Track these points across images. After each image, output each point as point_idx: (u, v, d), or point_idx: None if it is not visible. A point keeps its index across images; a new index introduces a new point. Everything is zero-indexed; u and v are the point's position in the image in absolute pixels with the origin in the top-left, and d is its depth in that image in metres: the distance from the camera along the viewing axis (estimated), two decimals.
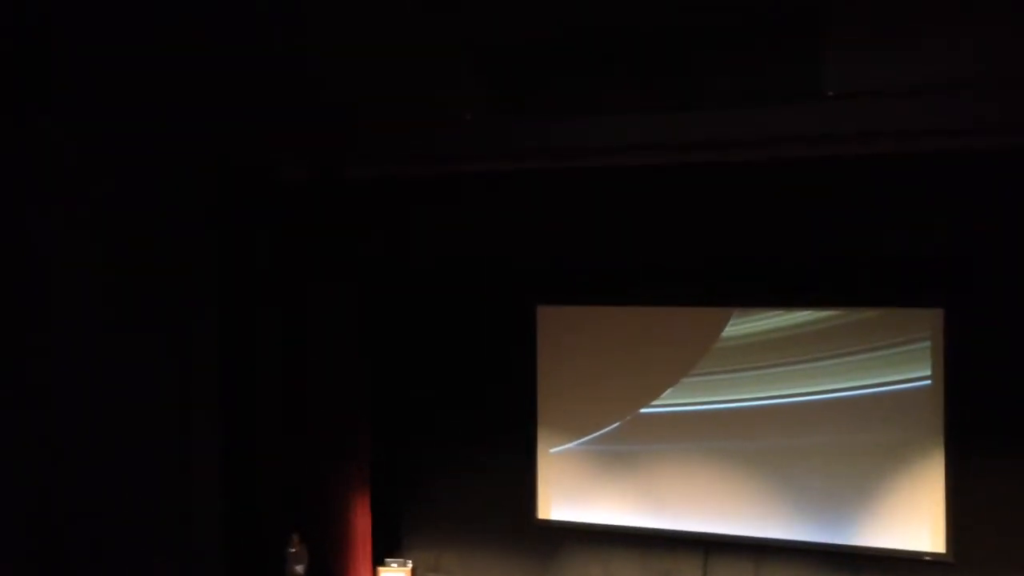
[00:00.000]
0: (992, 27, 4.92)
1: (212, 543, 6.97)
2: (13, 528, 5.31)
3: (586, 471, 9.12)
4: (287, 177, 8.54)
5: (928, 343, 8.01)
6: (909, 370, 8.06)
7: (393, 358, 9.53)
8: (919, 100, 6.01)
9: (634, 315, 8.92)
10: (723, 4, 4.94)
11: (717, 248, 8.04)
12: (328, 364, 8.97)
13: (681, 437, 8.76)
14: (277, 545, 8.64)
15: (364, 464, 9.13)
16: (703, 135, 7.06)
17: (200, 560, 6.75)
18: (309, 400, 8.98)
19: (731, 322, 8.57)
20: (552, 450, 9.22)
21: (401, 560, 9.35)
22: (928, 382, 8.01)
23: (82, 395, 5.70)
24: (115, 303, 5.98)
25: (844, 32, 5.06)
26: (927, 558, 8.03)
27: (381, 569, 9.26)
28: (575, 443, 9.14)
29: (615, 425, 8.98)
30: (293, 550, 8.65)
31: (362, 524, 9.07)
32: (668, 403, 8.80)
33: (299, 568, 8.67)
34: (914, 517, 8.06)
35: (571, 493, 9.19)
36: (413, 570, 9.37)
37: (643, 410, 8.88)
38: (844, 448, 8.26)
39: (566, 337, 9.15)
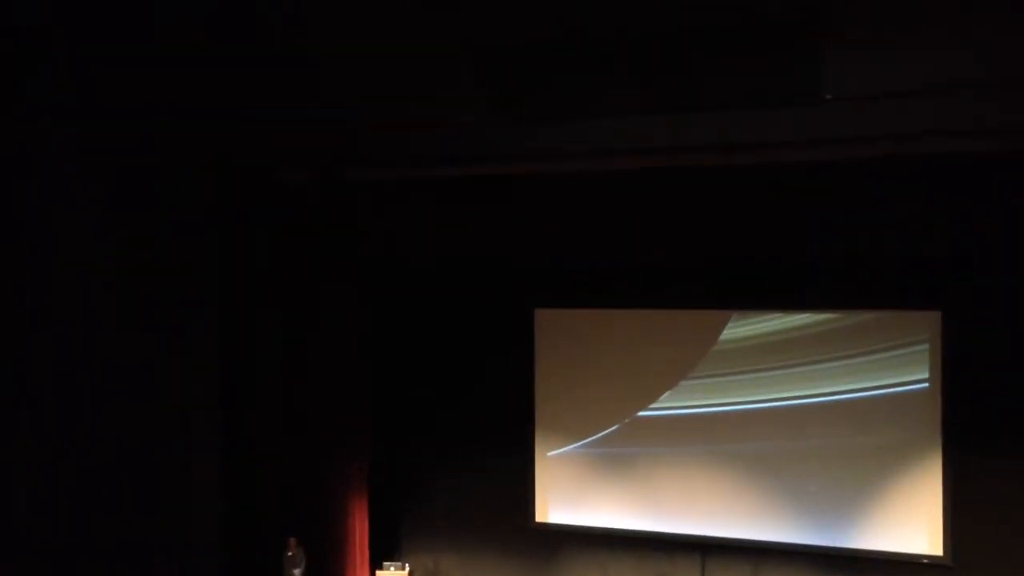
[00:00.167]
0: (992, 27, 4.93)
1: (211, 544, 6.94)
2: (13, 528, 5.29)
3: (584, 474, 9.13)
4: (287, 178, 8.56)
5: (926, 346, 8.03)
6: (907, 373, 8.09)
7: (392, 359, 9.54)
8: (918, 102, 6.02)
9: (632, 318, 8.94)
10: (723, 5, 4.94)
11: (715, 251, 8.07)
12: (328, 364, 8.99)
13: (679, 440, 8.76)
14: (276, 546, 8.63)
15: (363, 465, 9.14)
16: (702, 137, 7.08)
17: (199, 560, 6.72)
18: (309, 401, 8.98)
19: (729, 325, 8.58)
20: (550, 453, 9.22)
21: (399, 563, 9.33)
22: (926, 385, 8.03)
23: (82, 395, 5.67)
24: (115, 303, 5.96)
25: (844, 33, 5.06)
26: (925, 561, 8.04)
27: (379, 573, 9.25)
28: (573, 446, 9.15)
29: (613, 428, 8.99)
30: (290, 553, 8.64)
31: (360, 526, 9.08)
32: (666, 406, 8.81)
33: (296, 572, 8.66)
34: (912, 520, 8.08)
35: (569, 496, 9.19)
36: (410, 573, 9.36)
37: (641, 413, 8.89)
38: (842, 451, 8.27)
39: (564, 340, 9.16)
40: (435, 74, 5.92)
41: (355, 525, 9.05)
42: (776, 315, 8.44)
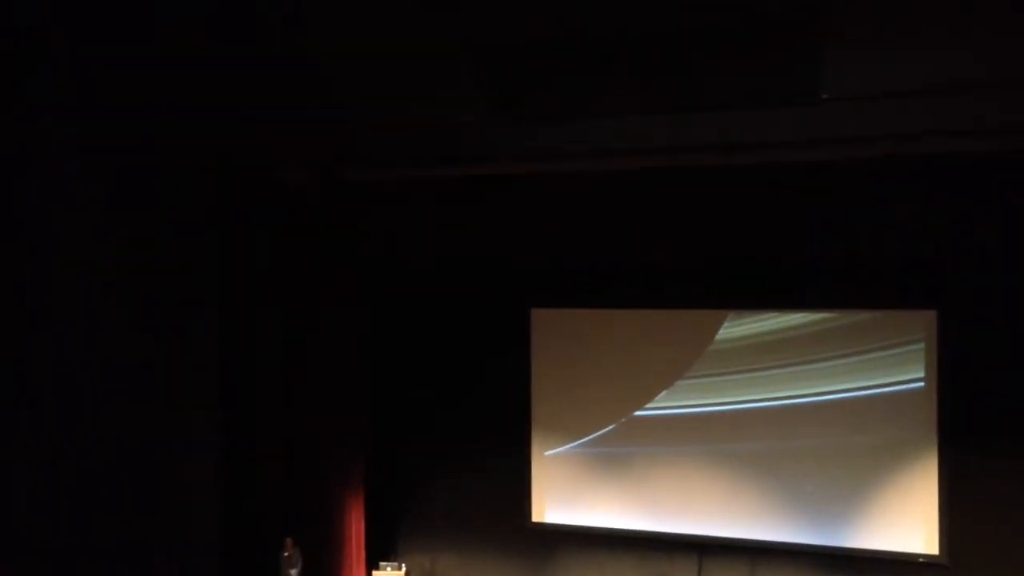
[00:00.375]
0: (992, 27, 4.94)
1: (211, 544, 6.94)
2: (13, 528, 5.28)
3: (581, 474, 9.13)
4: (287, 178, 8.56)
5: (921, 345, 8.05)
6: (902, 372, 8.11)
7: (390, 358, 9.54)
8: (918, 102, 6.04)
9: (629, 318, 8.95)
10: (723, 5, 4.95)
11: (711, 251, 8.09)
12: (328, 364, 8.98)
13: (676, 440, 8.78)
14: (274, 546, 8.63)
15: (361, 465, 9.13)
16: (702, 137, 7.09)
17: (199, 560, 6.72)
18: (308, 401, 8.98)
19: (725, 325, 8.59)
20: (547, 453, 9.23)
21: (395, 563, 9.33)
22: (921, 384, 8.05)
23: (82, 395, 5.66)
24: (115, 303, 5.95)
25: (844, 33, 5.07)
26: (921, 560, 8.06)
27: (375, 573, 9.24)
28: (570, 446, 9.16)
29: (610, 428, 9.00)
30: (286, 554, 8.64)
31: (356, 526, 9.07)
32: (663, 406, 8.82)
33: (293, 572, 8.65)
34: (908, 519, 8.09)
35: (566, 496, 9.20)
36: (407, 573, 9.35)
37: (638, 413, 8.90)
38: (838, 450, 8.29)
39: (560, 340, 9.17)
40: (435, 74, 5.91)
41: (352, 525, 9.05)
42: (772, 315, 8.45)
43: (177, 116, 6.33)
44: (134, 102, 5.97)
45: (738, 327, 8.56)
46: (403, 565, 9.35)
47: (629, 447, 8.93)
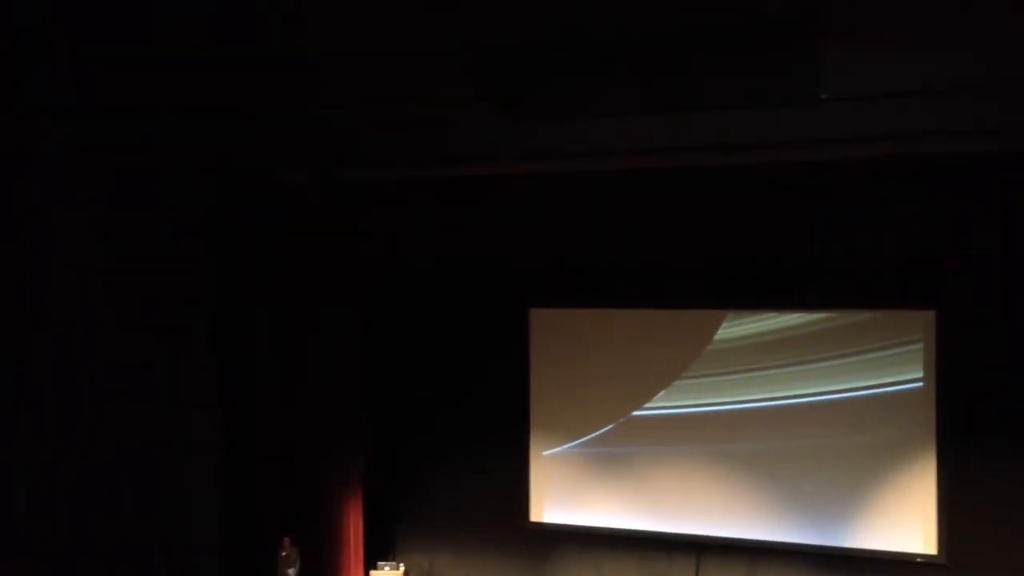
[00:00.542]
0: (992, 27, 4.94)
1: (211, 544, 6.96)
2: (13, 528, 5.28)
3: (579, 474, 9.13)
4: (287, 178, 8.55)
5: (920, 345, 8.05)
6: (901, 372, 8.11)
7: (390, 358, 9.54)
8: (918, 102, 6.03)
9: (627, 318, 8.95)
10: (723, 5, 4.94)
11: (710, 251, 8.07)
12: (327, 364, 8.98)
13: (674, 440, 8.78)
14: (274, 546, 8.62)
15: (360, 465, 9.13)
16: (702, 137, 7.09)
17: (199, 560, 6.73)
18: (308, 400, 8.97)
19: (724, 325, 8.60)
20: (545, 452, 9.23)
21: (393, 563, 9.33)
22: (920, 384, 8.06)
23: (81, 395, 5.67)
24: (114, 303, 5.96)
25: (844, 33, 5.07)
26: (919, 559, 8.07)
27: (373, 573, 9.25)
28: (568, 446, 9.16)
29: (608, 427, 9.00)
30: (284, 553, 8.64)
31: (355, 526, 9.07)
32: (661, 405, 8.82)
33: (291, 572, 8.65)
34: (906, 519, 8.10)
35: (564, 496, 9.20)
36: (405, 573, 9.36)
37: (636, 412, 8.90)
38: (837, 450, 8.29)
39: (559, 340, 9.17)
40: (435, 74, 5.90)
41: (350, 524, 9.04)
42: (771, 315, 8.45)
43: (177, 116, 6.33)
44: (134, 102, 5.98)
45: (737, 327, 8.56)
46: (401, 565, 9.36)
47: (628, 447, 8.94)
